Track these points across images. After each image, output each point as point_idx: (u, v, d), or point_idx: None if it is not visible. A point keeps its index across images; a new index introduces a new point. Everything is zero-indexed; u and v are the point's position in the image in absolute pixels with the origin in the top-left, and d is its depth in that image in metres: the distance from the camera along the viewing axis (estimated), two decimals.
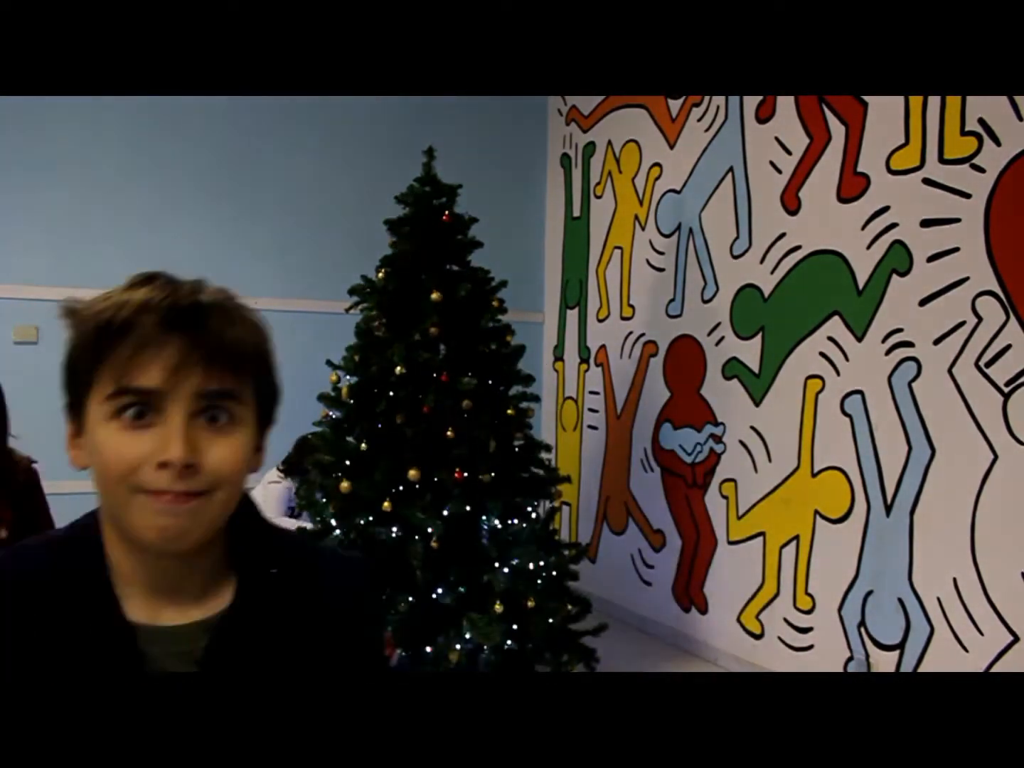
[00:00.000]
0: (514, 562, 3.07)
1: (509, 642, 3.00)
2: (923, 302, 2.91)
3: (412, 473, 2.99)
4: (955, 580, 2.80)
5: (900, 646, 2.98)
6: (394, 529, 3.04)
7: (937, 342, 2.86)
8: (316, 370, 3.48)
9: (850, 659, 3.17)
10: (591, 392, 4.78)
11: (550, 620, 3.07)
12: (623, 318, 4.50)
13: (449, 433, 3.06)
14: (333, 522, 3.14)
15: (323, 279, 4.49)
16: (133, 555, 0.80)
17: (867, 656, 3.09)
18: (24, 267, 4.00)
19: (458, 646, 2.91)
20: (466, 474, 3.04)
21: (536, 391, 3.46)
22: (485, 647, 2.94)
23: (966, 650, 2.77)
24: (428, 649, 2.97)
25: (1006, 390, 2.66)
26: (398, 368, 3.09)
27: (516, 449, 3.30)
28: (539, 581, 3.11)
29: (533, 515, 3.25)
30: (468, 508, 3.04)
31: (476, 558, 3.06)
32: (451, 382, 3.12)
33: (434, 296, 3.16)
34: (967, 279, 2.76)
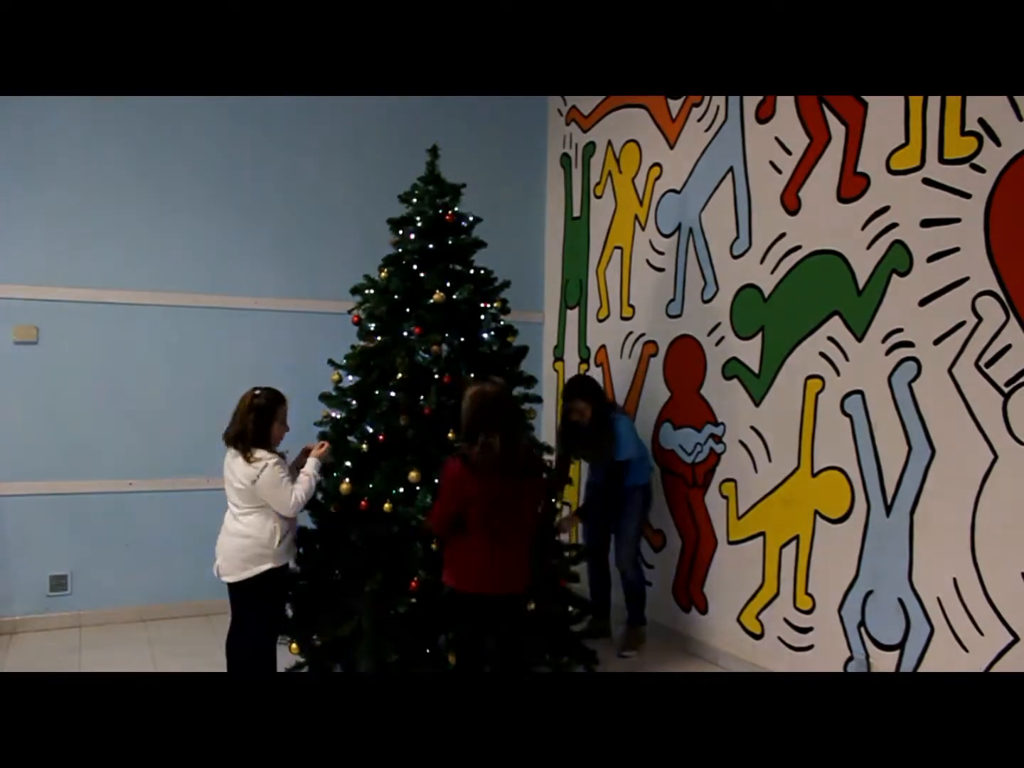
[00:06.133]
0: None
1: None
2: (923, 302, 2.91)
3: (412, 475, 2.99)
4: (955, 580, 2.80)
5: (900, 646, 2.98)
6: (394, 530, 3.04)
7: (937, 342, 2.86)
8: (318, 369, 3.48)
9: (850, 659, 3.17)
10: None
11: (550, 622, 3.07)
12: (623, 318, 4.50)
13: (450, 435, 3.05)
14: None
15: (325, 278, 4.49)
16: None
17: (867, 656, 3.10)
18: (24, 267, 4.00)
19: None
20: None
21: (536, 391, 3.46)
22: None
23: (966, 650, 2.77)
24: (427, 650, 2.97)
25: (1006, 390, 2.66)
26: (399, 373, 3.09)
27: None
28: (539, 583, 3.11)
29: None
30: None
31: None
32: (452, 383, 3.11)
33: (436, 297, 3.15)
34: (967, 279, 2.77)
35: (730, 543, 3.75)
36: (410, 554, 2.96)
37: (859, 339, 3.14)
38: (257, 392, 2.90)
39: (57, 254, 4.06)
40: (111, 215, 4.15)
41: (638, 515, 3.96)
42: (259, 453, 2.83)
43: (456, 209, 3.37)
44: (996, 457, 2.68)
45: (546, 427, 5.08)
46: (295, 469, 2.98)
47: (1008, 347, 2.65)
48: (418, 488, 3.01)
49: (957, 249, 2.80)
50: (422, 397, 3.10)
